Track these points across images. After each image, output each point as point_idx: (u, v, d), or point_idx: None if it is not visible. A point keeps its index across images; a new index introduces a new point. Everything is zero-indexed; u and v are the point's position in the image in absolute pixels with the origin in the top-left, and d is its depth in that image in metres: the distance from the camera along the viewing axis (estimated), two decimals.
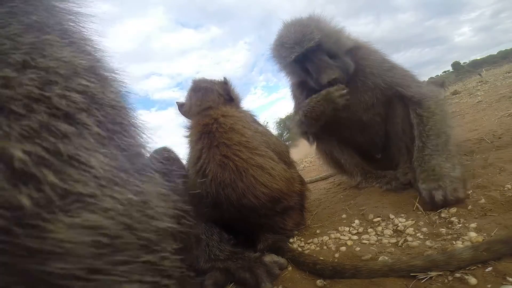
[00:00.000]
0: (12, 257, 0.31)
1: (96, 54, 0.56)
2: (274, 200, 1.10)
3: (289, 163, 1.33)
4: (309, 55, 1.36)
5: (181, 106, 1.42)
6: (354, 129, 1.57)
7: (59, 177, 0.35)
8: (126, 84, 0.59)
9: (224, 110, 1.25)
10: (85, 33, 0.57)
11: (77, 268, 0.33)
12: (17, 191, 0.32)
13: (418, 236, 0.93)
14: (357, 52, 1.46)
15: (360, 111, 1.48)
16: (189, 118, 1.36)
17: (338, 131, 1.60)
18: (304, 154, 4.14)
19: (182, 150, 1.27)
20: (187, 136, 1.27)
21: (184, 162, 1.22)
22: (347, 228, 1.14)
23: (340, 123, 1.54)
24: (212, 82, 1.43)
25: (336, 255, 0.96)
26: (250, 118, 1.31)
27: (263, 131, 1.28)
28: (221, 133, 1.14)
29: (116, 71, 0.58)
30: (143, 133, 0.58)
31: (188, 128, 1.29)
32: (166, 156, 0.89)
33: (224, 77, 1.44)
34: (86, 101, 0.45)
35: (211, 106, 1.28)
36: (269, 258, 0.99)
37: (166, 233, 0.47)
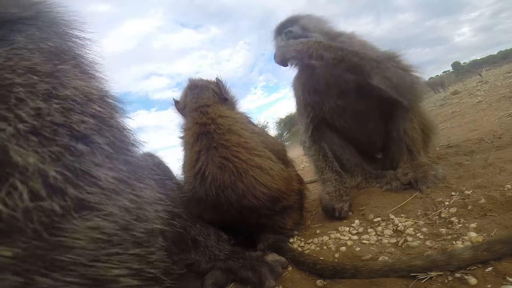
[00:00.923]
0: (40, 246, 0.40)
1: (102, 81, 0.66)
2: (273, 200, 1.10)
3: (287, 162, 1.33)
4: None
5: (176, 103, 1.43)
6: (351, 121, 1.56)
7: (77, 190, 0.45)
8: (124, 104, 0.69)
9: (221, 109, 1.25)
10: (91, 58, 0.67)
11: (82, 257, 0.43)
12: (50, 201, 0.42)
13: (418, 236, 0.92)
14: (338, 37, 1.53)
15: (353, 97, 1.47)
16: (183, 115, 1.36)
17: (338, 127, 1.61)
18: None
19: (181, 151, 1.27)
20: (181, 137, 1.27)
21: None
22: (347, 228, 1.14)
23: (337, 114, 1.55)
24: (207, 81, 1.44)
25: (336, 255, 0.96)
26: (246, 119, 1.31)
27: (260, 132, 1.28)
28: (220, 135, 1.13)
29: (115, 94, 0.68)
30: (140, 147, 0.69)
31: (183, 128, 1.28)
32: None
33: (216, 77, 1.45)
34: (99, 124, 0.54)
35: (207, 104, 1.27)
36: (271, 257, 0.99)
37: (155, 232, 0.55)
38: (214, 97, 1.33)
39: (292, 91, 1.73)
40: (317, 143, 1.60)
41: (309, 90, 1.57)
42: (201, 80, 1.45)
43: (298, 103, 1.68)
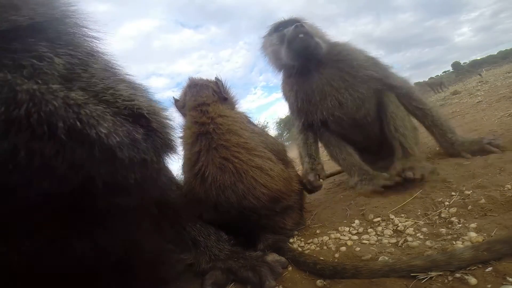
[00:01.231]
0: None
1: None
2: (273, 200, 1.10)
3: (287, 163, 1.33)
4: None
5: (176, 101, 1.43)
6: (347, 127, 1.60)
7: None
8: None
9: (220, 108, 1.25)
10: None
11: None
12: None
13: (418, 236, 0.93)
14: (336, 47, 1.59)
15: (352, 109, 1.51)
16: (183, 114, 1.36)
17: (332, 130, 1.65)
18: None
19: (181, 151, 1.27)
20: (181, 137, 1.26)
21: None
22: (347, 228, 1.14)
23: (332, 122, 1.59)
24: (207, 80, 1.44)
25: (336, 255, 0.96)
26: (245, 119, 1.31)
27: (260, 132, 1.28)
28: (219, 135, 1.13)
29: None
30: None
31: (183, 128, 1.27)
32: None
33: (216, 77, 1.45)
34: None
35: (206, 102, 1.27)
36: (271, 257, 0.99)
37: None
38: (214, 96, 1.33)
39: (283, 95, 1.76)
40: (302, 133, 1.69)
41: (301, 98, 1.59)
42: (201, 79, 1.46)
43: (290, 107, 1.72)
